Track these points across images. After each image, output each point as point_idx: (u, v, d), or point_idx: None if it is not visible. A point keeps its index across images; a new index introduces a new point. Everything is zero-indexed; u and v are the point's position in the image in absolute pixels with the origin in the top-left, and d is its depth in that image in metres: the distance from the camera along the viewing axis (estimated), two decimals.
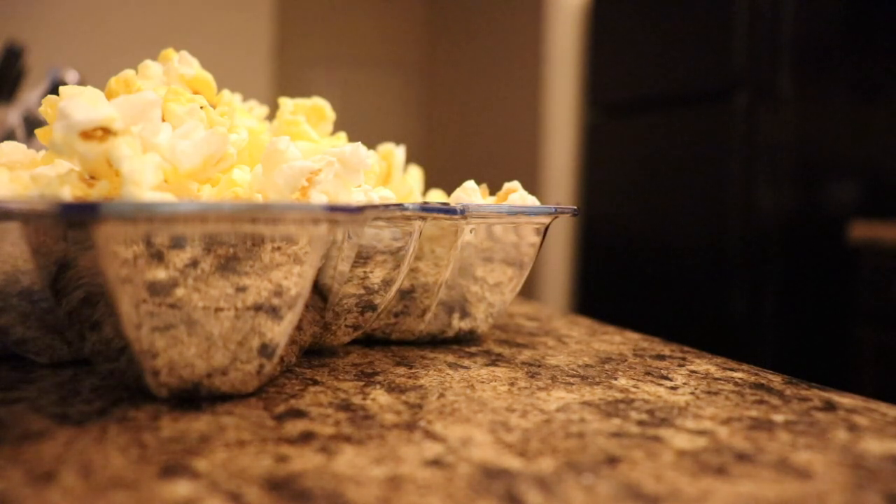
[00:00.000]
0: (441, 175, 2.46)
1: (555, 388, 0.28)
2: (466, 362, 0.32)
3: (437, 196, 0.43)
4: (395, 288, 0.32)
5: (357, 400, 0.26)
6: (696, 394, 0.28)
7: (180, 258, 0.22)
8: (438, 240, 0.33)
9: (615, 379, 0.30)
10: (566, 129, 2.02)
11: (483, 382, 0.29)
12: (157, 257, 0.22)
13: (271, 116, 0.44)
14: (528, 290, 2.06)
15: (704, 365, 0.33)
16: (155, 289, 0.22)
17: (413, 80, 3.07)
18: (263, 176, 0.28)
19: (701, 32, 1.53)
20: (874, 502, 0.18)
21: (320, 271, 0.26)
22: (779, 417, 0.25)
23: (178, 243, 0.22)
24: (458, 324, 0.36)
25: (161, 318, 0.22)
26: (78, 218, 0.21)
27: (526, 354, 0.34)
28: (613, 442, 0.22)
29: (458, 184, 0.36)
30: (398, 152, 0.43)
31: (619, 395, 0.27)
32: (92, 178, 0.24)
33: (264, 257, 0.23)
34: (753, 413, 0.26)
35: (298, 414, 0.24)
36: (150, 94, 0.25)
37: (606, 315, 1.30)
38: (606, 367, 0.32)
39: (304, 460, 0.20)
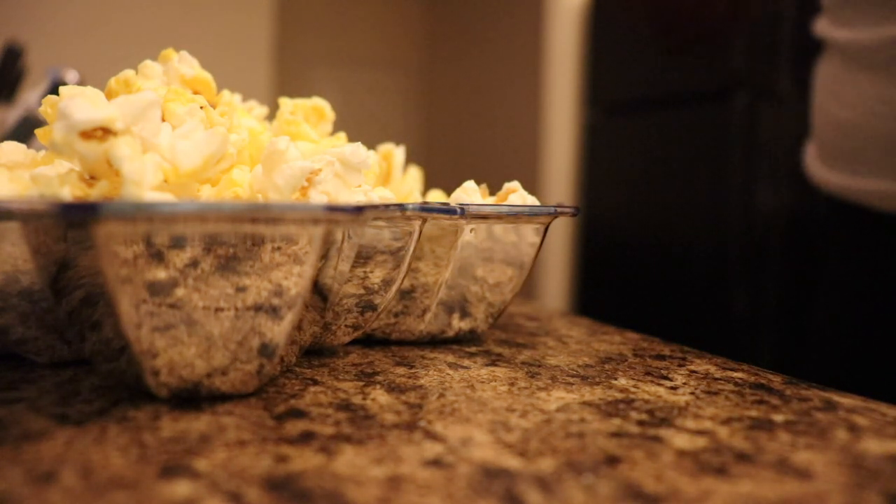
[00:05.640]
0: (441, 175, 2.46)
1: (555, 388, 0.28)
2: (466, 362, 0.32)
3: (437, 196, 0.43)
4: (395, 288, 0.32)
5: (357, 400, 0.26)
6: (696, 394, 0.28)
7: (180, 258, 0.22)
8: (438, 240, 0.33)
9: (615, 379, 0.30)
10: (566, 129, 2.02)
11: (483, 382, 0.29)
12: (157, 257, 0.22)
13: (271, 116, 0.44)
14: (528, 290, 2.06)
15: (704, 365, 0.33)
16: (155, 289, 0.22)
17: (413, 80, 3.07)
18: (263, 176, 0.28)
19: (701, 32, 1.53)
20: (874, 502, 0.18)
21: (320, 271, 0.26)
22: (779, 417, 0.25)
23: (178, 243, 0.22)
24: (458, 324, 0.36)
25: (161, 318, 0.22)
26: (78, 218, 0.21)
27: (526, 354, 0.34)
28: (613, 442, 0.22)
29: (458, 184, 0.36)
30: (398, 152, 0.43)
31: (619, 395, 0.27)
32: (92, 178, 0.24)
33: (264, 257, 0.23)
34: (753, 413, 0.26)
35: (298, 414, 0.24)
36: (150, 94, 0.25)
37: (606, 315, 1.30)
38: (606, 367, 0.32)
39: (304, 460, 0.20)
